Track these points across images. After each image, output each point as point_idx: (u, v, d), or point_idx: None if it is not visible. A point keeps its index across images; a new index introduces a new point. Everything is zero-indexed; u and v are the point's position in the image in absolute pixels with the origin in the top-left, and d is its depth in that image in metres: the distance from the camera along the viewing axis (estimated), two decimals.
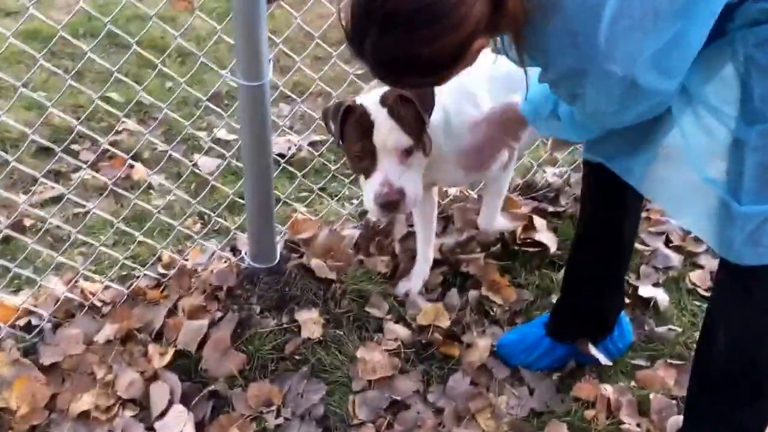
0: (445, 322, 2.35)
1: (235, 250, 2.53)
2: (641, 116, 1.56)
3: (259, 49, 2.00)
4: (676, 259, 2.67)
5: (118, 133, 3.30)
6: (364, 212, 2.73)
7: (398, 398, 2.14)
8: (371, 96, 2.03)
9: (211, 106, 2.73)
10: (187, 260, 2.43)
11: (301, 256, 2.44)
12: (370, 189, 1.98)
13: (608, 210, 2.00)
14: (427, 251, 2.50)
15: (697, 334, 2.36)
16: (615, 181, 1.88)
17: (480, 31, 1.37)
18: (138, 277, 2.42)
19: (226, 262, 2.43)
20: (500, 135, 2.02)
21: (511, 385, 2.21)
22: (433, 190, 2.45)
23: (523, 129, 1.99)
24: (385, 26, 1.35)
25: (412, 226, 2.64)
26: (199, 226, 2.76)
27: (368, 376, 2.18)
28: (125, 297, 2.33)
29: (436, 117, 2.05)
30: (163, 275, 2.41)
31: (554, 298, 2.49)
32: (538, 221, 2.71)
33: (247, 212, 2.31)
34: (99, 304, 2.31)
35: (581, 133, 1.79)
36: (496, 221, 2.50)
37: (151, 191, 2.99)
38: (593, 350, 2.19)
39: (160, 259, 2.49)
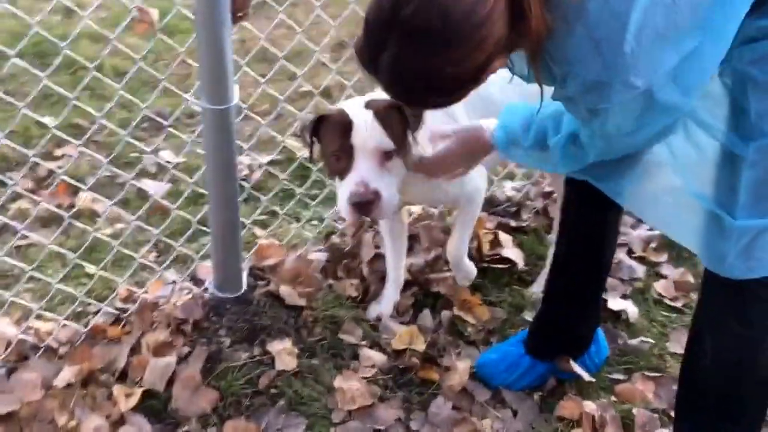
0: (420, 345, 2.29)
1: (196, 280, 2.41)
2: (651, 141, 1.55)
3: (225, 72, 1.91)
4: (640, 270, 2.68)
5: (56, 158, 3.14)
6: (330, 234, 2.65)
7: (381, 428, 2.07)
8: (352, 102, 1.98)
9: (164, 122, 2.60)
10: (146, 293, 2.30)
11: (268, 284, 2.34)
12: (344, 189, 1.90)
13: (590, 228, 1.99)
14: (397, 273, 2.44)
15: (668, 344, 2.40)
16: (598, 199, 1.87)
17: (499, 51, 1.33)
18: (94, 313, 2.28)
19: (188, 293, 2.31)
20: (458, 157, 1.95)
21: (494, 407, 2.17)
22: (402, 210, 2.40)
23: (483, 156, 1.94)
24: (409, 40, 1.30)
25: (379, 247, 2.57)
26: (153, 255, 2.62)
27: (348, 406, 2.10)
28: (83, 336, 2.18)
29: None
30: (123, 310, 2.27)
31: (527, 315, 2.46)
32: (504, 237, 2.69)
33: (211, 239, 2.20)
34: (55, 344, 2.15)
35: (569, 163, 1.73)
36: (464, 262, 2.41)
37: (98, 219, 2.83)
38: (576, 367, 2.18)
39: (115, 293, 2.35)
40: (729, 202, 1.54)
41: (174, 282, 2.36)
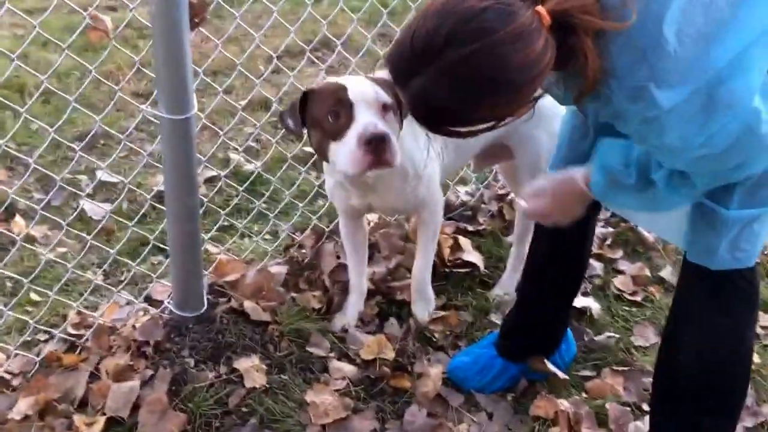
0: (390, 354, 2.24)
1: (152, 301, 2.31)
2: (742, 155, 1.41)
3: (184, 80, 1.84)
4: (598, 267, 2.71)
5: None
6: (288, 246, 2.59)
7: None
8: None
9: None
10: (102, 317, 2.19)
11: (230, 300, 2.26)
12: (350, 138, 1.81)
13: (574, 229, 1.90)
14: (360, 282, 2.39)
15: (633, 338, 2.42)
16: None
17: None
18: (45, 341, 2.16)
19: (146, 314, 2.21)
20: (553, 211, 1.78)
21: (468, 411, 2.14)
22: (363, 218, 2.36)
23: (580, 205, 1.74)
24: (449, 80, 1.28)
25: (339, 257, 2.53)
26: (101, 278, 2.50)
27: (321, 420, 2.03)
28: (36, 365, 2.06)
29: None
30: (77, 336, 2.15)
31: (493, 317, 2.45)
32: (463, 241, 2.67)
33: (171, 256, 2.11)
34: (7, 376, 2.03)
35: (676, 198, 1.56)
36: (428, 289, 2.38)
37: (36, 245, 2.69)
38: (550, 367, 2.17)
39: (65, 318, 2.24)
40: (723, 198, 1.55)
41: (129, 303, 2.26)
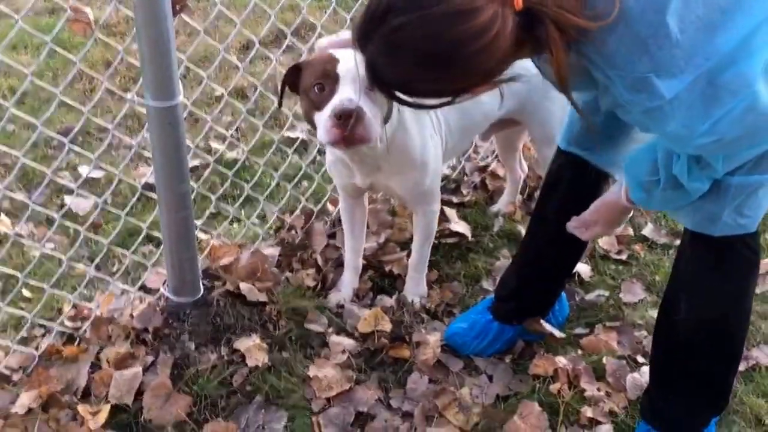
0: (387, 326, 2.26)
1: (147, 289, 2.31)
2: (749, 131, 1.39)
3: (170, 66, 1.83)
4: None
5: None
6: (279, 228, 2.60)
7: (362, 410, 2.04)
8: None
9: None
10: (97, 308, 2.18)
11: (225, 284, 2.27)
12: (326, 110, 1.82)
13: (584, 200, 1.93)
14: (356, 259, 2.41)
15: (622, 295, 2.48)
16: (592, 174, 1.92)
17: (494, 73, 1.34)
18: (43, 335, 2.15)
19: (141, 302, 2.21)
20: (607, 228, 1.89)
21: (469, 375, 2.18)
22: (364, 197, 2.37)
23: (625, 217, 1.88)
24: (387, 49, 1.31)
25: (331, 236, 2.54)
26: (94, 270, 2.49)
27: (325, 394, 2.06)
28: (36, 359, 2.05)
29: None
30: (74, 328, 2.15)
31: (485, 284, 2.49)
32: (449, 211, 2.70)
33: (164, 244, 2.10)
34: (6, 371, 2.02)
35: (703, 184, 1.55)
36: (422, 281, 2.40)
37: (23, 243, 2.67)
38: (547, 326, 2.21)
39: (60, 312, 2.23)
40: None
41: (125, 293, 2.25)
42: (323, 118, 1.82)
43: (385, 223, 2.64)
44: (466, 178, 2.98)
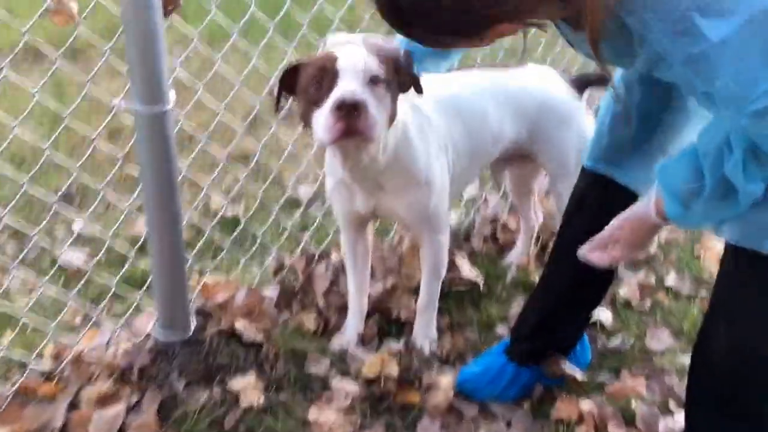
0: (394, 370, 2.07)
1: (135, 329, 2.14)
2: None
3: (159, 68, 1.74)
4: None
5: None
6: (280, 268, 2.45)
7: None
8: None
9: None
10: (80, 344, 2.01)
11: (219, 323, 2.10)
12: (325, 107, 1.69)
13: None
14: (360, 300, 2.25)
15: (647, 342, 2.30)
16: (620, 196, 1.77)
17: (513, 17, 1.23)
18: (21, 373, 1.97)
19: (128, 341, 2.04)
20: (629, 251, 1.63)
21: (485, 420, 1.98)
22: (367, 229, 2.24)
23: (654, 236, 1.63)
24: None
25: (335, 281, 2.39)
26: (79, 319, 2.33)
27: None
28: (8, 398, 1.87)
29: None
30: (54, 366, 1.97)
31: (499, 330, 2.32)
32: (459, 260, 2.55)
33: (153, 273, 1.96)
34: None
35: (757, 185, 1.33)
36: (432, 324, 2.23)
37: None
38: (569, 367, 2.02)
39: (41, 356, 2.06)
40: None
41: (112, 330, 2.09)
42: (323, 115, 1.70)
43: (392, 269, 2.49)
44: (475, 230, 2.85)
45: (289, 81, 1.82)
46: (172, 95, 1.79)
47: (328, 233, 2.58)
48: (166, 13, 1.77)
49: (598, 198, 1.86)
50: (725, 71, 1.18)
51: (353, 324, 2.24)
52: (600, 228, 1.68)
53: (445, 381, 2.03)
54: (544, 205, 2.85)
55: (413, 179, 2.00)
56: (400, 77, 1.82)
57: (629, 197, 1.78)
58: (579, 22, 1.26)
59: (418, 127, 2.00)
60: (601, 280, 1.97)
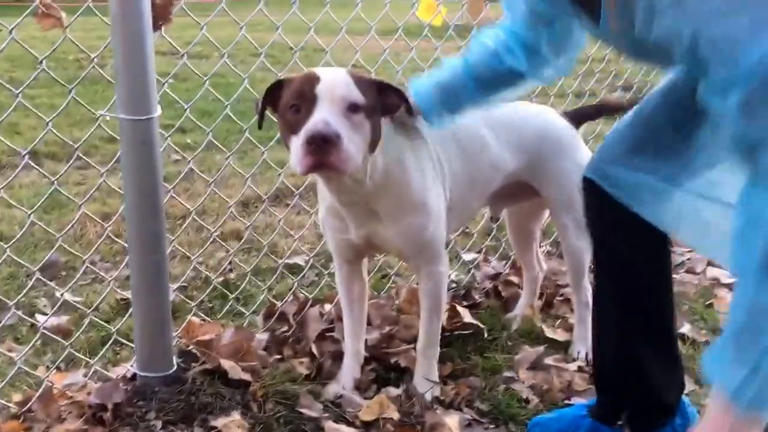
0: (394, 414, 1.91)
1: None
2: None
3: (146, 79, 1.68)
4: None
5: None
6: (270, 314, 2.29)
7: None
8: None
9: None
10: (51, 383, 1.84)
11: (203, 363, 1.94)
12: (300, 135, 1.61)
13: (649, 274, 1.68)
14: (356, 344, 2.09)
15: None
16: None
17: None
18: None
19: (106, 381, 1.88)
20: None
21: None
22: (363, 266, 2.11)
23: None
24: None
25: (330, 329, 2.24)
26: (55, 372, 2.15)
27: None
28: None
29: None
30: (21, 404, 1.80)
31: (506, 373, 2.15)
32: (461, 309, 2.41)
33: (134, 299, 1.82)
34: None
35: None
36: (433, 368, 2.06)
37: None
38: None
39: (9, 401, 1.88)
40: None
41: (86, 365, 1.92)
42: (297, 144, 1.62)
43: (389, 318, 2.34)
44: (477, 285, 2.72)
45: (273, 98, 1.75)
46: (157, 103, 1.72)
47: (320, 285, 2.45)
48: (156, 28, 1.73)
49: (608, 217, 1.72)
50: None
51: (349, 368, 2.07)
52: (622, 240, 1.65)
53: (451, 421, 1.85)
54: (547, 262, 2.75)
55: (408, 203, 1.89)
56: (385, 99, 1.77)
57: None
58: None
59: (414, 150, 1.92)
60: (660, 314, 1.75)
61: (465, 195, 2.07)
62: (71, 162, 2.07)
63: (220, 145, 2.58)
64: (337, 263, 2.08)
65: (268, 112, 1.81)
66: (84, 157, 2.11)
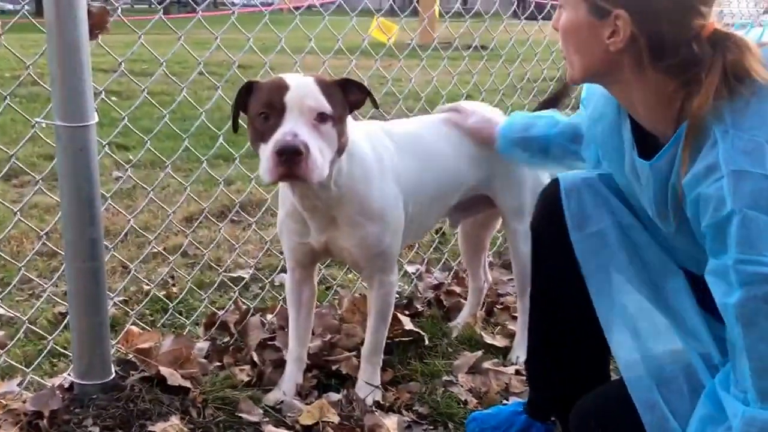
0: (334, 418, 1.93)
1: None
2: None
3: (83, 85, 1.69)
4: None
5: None
6: (211, 324, 2.29)
7: None
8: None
9: None
10: None
11: (142, 371, 1.93)
12: (269, 145, 1.64)
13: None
14: (300, 350, 2.11)
15: None
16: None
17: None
18: None
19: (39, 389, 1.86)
20: None
21: None
22: (314, 273, 2.13)
23: None
24: None
25: (272, 338, 2.25)
26: None
27: None
28: None
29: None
30: None
31: (446, 377, 2.18)
32: (402, 318, 2.44)
33: (71, 308, 1.81)
34: None
35: None
36: (377, 374, 2.09)
37: None
38: None
39: None
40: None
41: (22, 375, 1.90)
42: (266, 153, 1.66)
43: (331, 327, 2.37)
44: (419, 295, 2.76)
45: (243, 100, 1.79)
46: (94, 110, 1.72)
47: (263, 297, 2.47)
48: (93, 37, 1.74)
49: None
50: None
51: (292, 374, 2.09)
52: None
53: (390, 423, 1.88)
54: (492, 274, 2.80)
55: (367, 212, 1.92)
56: (349, 96, 1.81)
57: None
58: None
59: (377, 159, 1.95)
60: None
61: (425, 209, 2.12)
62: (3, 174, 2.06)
63: (162, 157, 2.58)
64: (289, 267, 2.10)
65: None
66: (20, 166, 2.07)
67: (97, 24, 1.76)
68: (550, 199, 1.71)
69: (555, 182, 1.71)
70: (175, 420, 1.78)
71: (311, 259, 2.06)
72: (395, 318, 2.41)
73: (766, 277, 1.20)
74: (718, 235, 1.25)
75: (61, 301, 2.38)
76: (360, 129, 1.95)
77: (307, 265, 2.08)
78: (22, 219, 1.97)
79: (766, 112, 1.24)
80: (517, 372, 2.24)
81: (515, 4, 3.47)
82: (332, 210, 1.89)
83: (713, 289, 1.28)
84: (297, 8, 2.67)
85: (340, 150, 1.79)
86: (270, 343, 2.25)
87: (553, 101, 2.22)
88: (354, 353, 2.23)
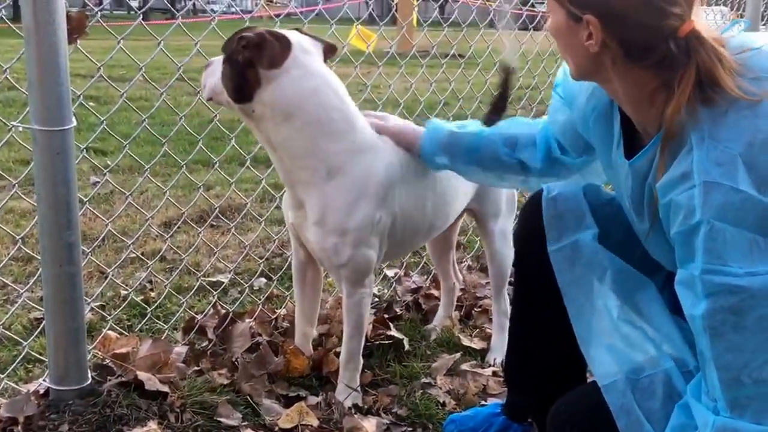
0: (313, 421, 1.93)
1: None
2: None
3: (60, 89, 1.68)
4: None
5: None
6: (189, 328, 2.29)
7: None
8: None
9: None
10: None
11: (119, 376, 1.93)
12: None
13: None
14: (305, 326, 2.22)
15: None
16: None
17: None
18: None
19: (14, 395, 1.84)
20: None
21: None
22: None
23: None
24: None
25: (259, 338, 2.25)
26: None
27: None
28: None
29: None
30: None
31: (424, 380, 2.19)
32: (382, 321, 2.45)
33: (47, 313, 1.79)
34: None
35: None
36: (356, 378, 2.08)
37: None
38: None
39: None
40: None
41: None
42: None
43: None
44: (398, 299, 2.77)
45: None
46: (72, 115, 1.72)
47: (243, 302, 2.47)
48: (71, 41, 1.74)
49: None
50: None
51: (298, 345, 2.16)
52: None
53: (369, 425, 1.89)
54: (467, 276, 2.82)
55: (329, 219, 1.89)
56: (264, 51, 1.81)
57: None
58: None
59: (345, 177, 1.89)
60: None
61: (415, 234, 2.11)
62: None
63: (141, 162, 2.57)
64: (293, 247, 2.14)
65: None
66: None
67: (76, 28, 1.76)
68: (534, 207, 1.71)
69: (539, 192, 1.72)
70: (152, 425, 1.77)
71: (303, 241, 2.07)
72: (377, 321, 2.43)
73: (731, 288, 1.20)
74: (686, 243, 1.26)
75: (37, 307, 2.37)
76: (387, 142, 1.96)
77: (303, 244, 2.08)
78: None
79: (743, 124, 1.24)
80: (495, 374, 2.25)
81: (491, 13, 3.51)
82: (297, 191, 1.91)
83: (682, 300, 1.29)
84: (277, 15, 2.68)
85: (241, 97, 1.83)
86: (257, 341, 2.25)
87: (501, 97, 2.26)
88: (337, 353, 2.23)
